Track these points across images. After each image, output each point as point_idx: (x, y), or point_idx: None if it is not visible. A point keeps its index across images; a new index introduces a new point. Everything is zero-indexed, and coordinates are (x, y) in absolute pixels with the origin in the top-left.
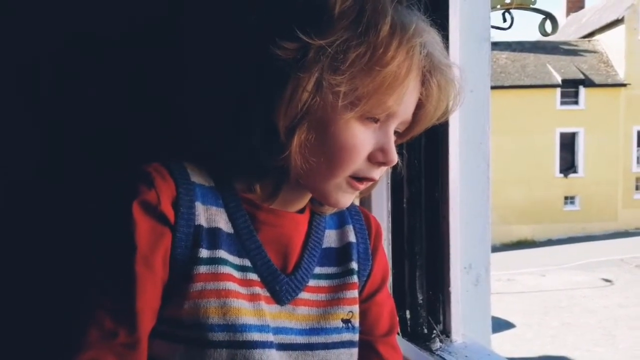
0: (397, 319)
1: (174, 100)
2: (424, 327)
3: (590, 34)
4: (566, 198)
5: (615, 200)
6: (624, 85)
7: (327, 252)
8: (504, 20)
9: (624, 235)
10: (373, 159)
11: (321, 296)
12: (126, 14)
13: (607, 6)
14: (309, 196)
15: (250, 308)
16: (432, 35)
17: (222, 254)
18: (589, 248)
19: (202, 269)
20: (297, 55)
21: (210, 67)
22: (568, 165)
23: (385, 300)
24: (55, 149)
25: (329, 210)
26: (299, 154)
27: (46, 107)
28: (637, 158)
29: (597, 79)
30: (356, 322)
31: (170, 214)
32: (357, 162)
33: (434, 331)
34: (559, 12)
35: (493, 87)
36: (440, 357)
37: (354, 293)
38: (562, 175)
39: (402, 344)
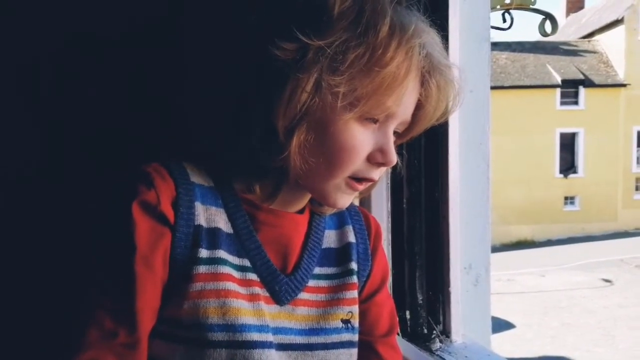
0: (397, 319)
1: (174, 100)
2: (423, 327)
3: (590, 35)
4: (566, 198)
5: (615, 201)
6: (623, 85)
7: (327, 252)
8: (504, 20)
9: (623, 235)
10: (372, 160)
11: (321, 296)
12: (126, 14)
13: (607, 6)
14: (308, 196)
15: (249, 308)
16: (431, 36)
17: (222, 254)
18: (589, 248)
19: (202, 269)
20: (296, 56)
21: (210, 67)
22: (568, 165)
23: (385, 301)
24: (55, 149)
25: (329, 211)
26: (298, 155)
27: (46, 107)
28: (637, 158)
29: (597, 79)
30: (356, 322)
31: (169, 214)
32: (356, 163)
33: (434, 331)
34: (559, 13)
35: (493, 88)
36: (440, 357)
37: (354, 293)
38: (562, 175)
39: (402, 344)
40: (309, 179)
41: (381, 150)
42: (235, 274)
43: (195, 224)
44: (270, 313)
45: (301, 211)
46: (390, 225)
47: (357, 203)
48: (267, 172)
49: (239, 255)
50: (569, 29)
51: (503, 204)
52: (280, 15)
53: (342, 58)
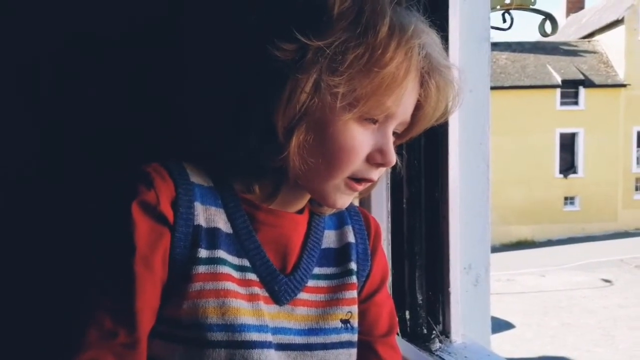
0: (397, 319)
1: (174, 100)
2: (423, 327)
3: (590, 35)
4: (566, 198)
5: (615, 201)
6: (623, 85)
7: (326, 252)
8: (504, 20)
9: (623, 235)
10: (371, 160)
11: (320, 296)
12: (126, 14)
13: (607, 7)
14: (308, 197)
15: (249, 308)
16: (431, 36)
17: (221, 254)
18: (589, 248)
19: (201, 268)
20: (295, 56)
21: (210, 67)
22: (568, 165)
23: (385, 301)
24: (56, 149)
25: (328, 211)
26: (298, 155)
27: (46, 107)
28: (637, 158)
29: (597, 80)
30: (355, 322)
31: (169, 214)
32: (356, 163)
33: (434, 331)
34: (559, 13)
35: (493, 88)
36: (440, 357)
37: (353, 293)
38: (562, 175)
39: (402, 345)
40: (308, 179)
41: (380, 150)
42: (235, 274)
43: (195, 224)
44: (270, 313)
45: (301, 211)
46: (390, 225)
47: (356, 203)
48: (267, 172)
49: (239, 255)
50: (569, 29)
51: (503, 204)
52: (279, 16)
53: (342, 58)
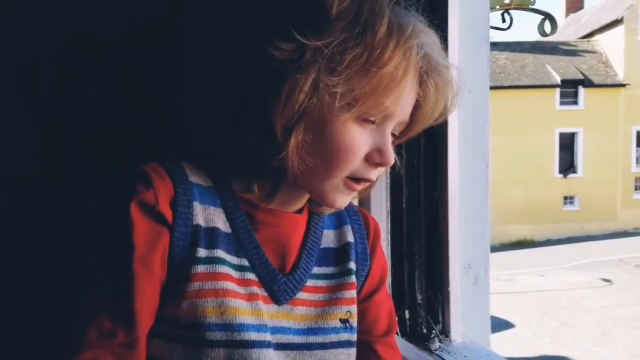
0: (396, 319)
1: (174, 100)
2: (423, 327)
3: (590, 35)
4: (565, 198)
5: (615, 201)
6: (623, 85)
7: (325, 252)
8: (503, 20)
9: (623, 235)
10: (370, 160)
11: (319, 296)
12: (126, 14)
13: (606, 7)
14: (307, 196)
15: (247, 307)
16: (429, 36)
17: (220, 253)
18: (588, 248)
19: (200, 268)
20: (293, 56)
21: (210, 68)
22: (567, 165)
23: (384, 300)
24: (55, 149)
25: (327, 211)
26: (296, 155)
27: (46, 107)
28: (637, 158)
29: (596, 79)
30: (354, 322)
31: (168, 213)
32: (354, 163)
33: (433, 331)
34: (558, 13)
35: (492, 88)
36: (440, 357)
37: (352, 293)
38: (561, 175)
39: (401, 344)
40: (307, 179)
41: (379, 150)
42: (234, 273)
43: (194, 223)
44: (269, 312)
45: (300, 211)
46: (389, 225)
47: (356, 203)
48: (266, 172)
49: (238, 255)
50: (568, 29)
51: (502, 204)
52: (278, 16)
53: (340, 58)
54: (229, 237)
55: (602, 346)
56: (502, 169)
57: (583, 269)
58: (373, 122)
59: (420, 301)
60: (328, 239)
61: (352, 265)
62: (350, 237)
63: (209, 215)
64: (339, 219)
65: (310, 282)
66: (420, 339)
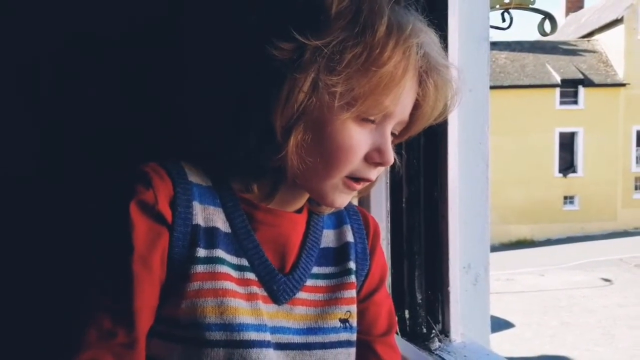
0: (396, 318)
1: (174, 100)
2: (423, 326)
3: (590, 34)
4: (565, 198)
5: (615, 200)
6: (623, 85)
7: (325, 251)
8: (503, 20)
9: (623, 235)
10: (369, 160)
11: (319, 296)
12: (126, 14)
13: (606, 6)
14: (306, 196)
15: (247, 307)
16: (429, 36)
17: (220, 253)
18: (588, 248)
19: (200, 268)
20: (293, 56)
21: (210, 67)
22: (567, 165)
23: (384, 300)
24: (56, 149)
25: (327, 210)
26: (296, 154)
27: (46, 107)
28: (637, 158)
29: (596, 79)
30: (354, 321)
31: (167, 213)
32: (354, 163)
33: (433, 331)
34: (558, 12)
35: (492, 87)
36: (439, 356)
37: (352, 293)
38: (561, 175)
39: (401, 344)
40: (307, 179)
41: (378, 150)
42: (233, 273)
43: (193, 223)
44: (268, 312)
45: (299, 211)
46: (389, 224)
47: (355, 202)
48: (265, 171)
49: (237, 255)
50: (568, 29)
51: (502, 204)
52: (278, 15)
53: (340, 58)
54: (228, 237)
55: (602, 346)
56: (502, 169)
57: (583, 268)
58: (373, 122)
59: (420, 301)
60: (328, 238)
61: (352, 265)
62: (350, 237)
63: (208, 215)
64: (339, 219)
65: (309, 282)
66: (420, 339)
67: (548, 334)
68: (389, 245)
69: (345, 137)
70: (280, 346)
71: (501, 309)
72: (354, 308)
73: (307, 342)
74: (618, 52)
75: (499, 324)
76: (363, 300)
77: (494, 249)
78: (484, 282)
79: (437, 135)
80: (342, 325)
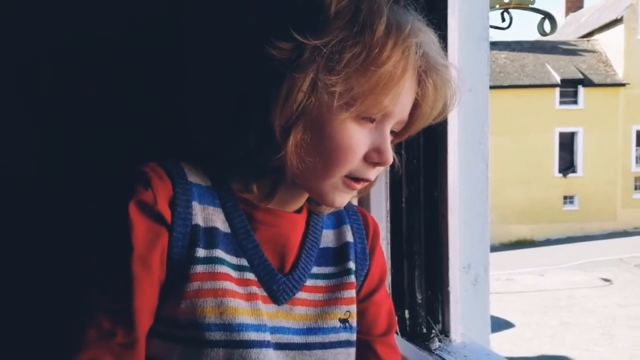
0: (396, 318)
1: (174, 100)
2: (423, 326)
3: (589, 34)
4: (565, 198)
5: (615, 200)
6: (623, 84)
7: (325, 251)
8: (503, 20)
9: (623, 235)
10: (369, 159)
11: (318, 296)
12: (126, 14)
13: (606, 6)
14: (306, 196)
15: (247, 307)
16: (428, 35)
17: (219, 253)
18: (588, 248)
19: (199, 268)
20: (292, 56)
21: (210, 67)
22: (567, 165)
23: (383, 300)
24: (56, 149)
25: (327, 210)
26: (295, 154)
27: (46, 107)
28: (636, 158)
29: (596, 79)
30: (354, 321)
31: (167, 213)
32: (353, 162)
33: (433, 331)
34: (558, 12)
35: (492, 87)
36: (439, 356)
37: (352, 293)
38: (561, 175)
39: (401, 344)
40: (306, 179)
41: (378, 149)
42: (233, 273)
43: (193, 223)
44: (268, 312)
45: (299, 211)
46: (389, 224)
47: (355, 202)
48: (265, 171)
49: (237, 255)
50: (568, 29)
51: (502, 204)
52: (278, 15)
53: (339, 57)
54: (228, 237)
55: (602, 346)
56: (502, 169)
57: (583, 268)
58: (372, 121)
59: (420, 301)
60: (327, 238)
61: (352, 265)
62: (349, 237)
63: (208, 215)
64: (338, 219)
65: (309, 282)
66: (420, 339)
67: (548, 334)
68: (389, 245)
69: (344, 136)
70: (280, 346)
71: (501, 309)
72: (353, 308)
73: (306, 342)
74: (618, 52)
75: (499, 324)
76: (363, 300)
77: (494, 249)
78: (483, 282)
79: (436, 135)
80: (341, 325)
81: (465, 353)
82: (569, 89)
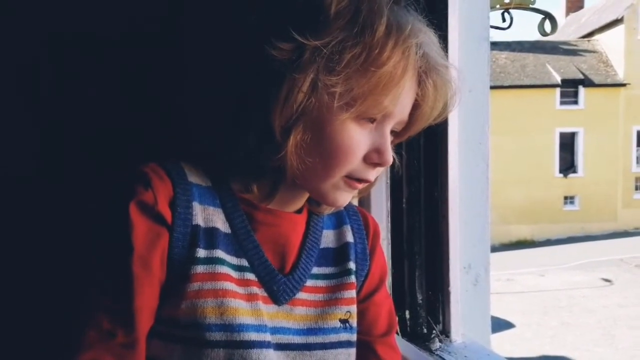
0: (396, 319)
1: (174, 100)
2: (423, 327)
3: (590, 34)
4: (566, 198)
5: (615, 200)
6: (623, 85)
7: (325, 252)
8: (503, 20)
9: (623, 235)
10: (368, 160)
11: (319, 296)
12: (126, 14)
13: (607, 6)
14: (306, 196)
15: (247, 308)
16: (428, 36)
17: (220, 253)
18: (589, 248)
19: (200, 268)
20: (292, 56)
21: (210, 67)
22: (567, 165)
23: (384, 300)
24: (56, 149)
25: (327, 210)
26: (295, 154)
27: (46, 107)
28: (637, 158)
29: (596, 79)
30: (354, 322)
31: (167, 214)
32: (353, 163)
33: (434, 331)
34: (558, 12)
35: (492, 87)
36: (440, 357)
37: (352, 293)
38: (561, 175)
39: (402, 344)
40: (306, 179)
41: (377, 150)
42: (233, 273)
43: (193, 223)
44: (268, 313)
45: (299, 211)
46: (389, 224)
47: (356, 203)
48: (265, 172)
49: (237, 255)
50: (568, 29)
51: (503, 204)
52: (278, 15)
53: (339, 58)
54: (228, 238)
55: (603, 346)
56: (503, 169)
57: (583, 269)
58: (372, 122)
59: (421, 301)
60: (327, 239)
61: (352, 265)
62: (349, 237)
63: (208, 216)
64: (339, 219)
65: (309, 282)
66: (420, 339)
67: (548, 334)
68: (390, 246)
69: (344, 137)
70: (280, 346)
71: (501, 309)
72: (354, 308)
73: (307, 342)
74: (618, 52)
75: (500, 324)
76: (363, 301)
77: (494, 249)
78: (484, 282)
79: (437, 135)
80: (342, 325)
81: (466, 353)
82: (570, 89)
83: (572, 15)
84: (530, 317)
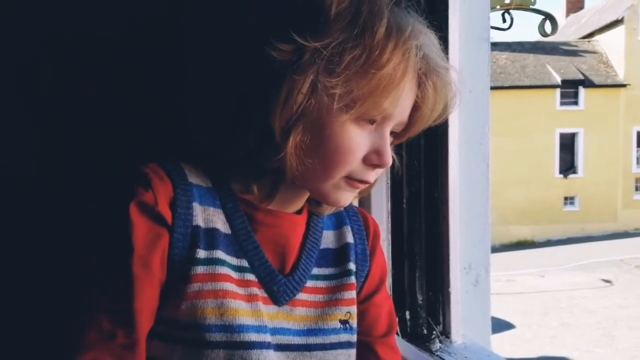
0: (396, 319)
1: (174, 100)
2: (423, 327)
3: (590, 35)
4: (566, 199)
5: (615, 201)
6: (623, 85)
7: (325, 253)
8: (504, 20)
9: (623, 235)
10: (368, 161)
11: (319, 297)
12: (126, 14)
13: (607, 7)
14: (306, 197)
15: (247, 309)
16: (428, 37)
17: (220, 254)
18: (589, 249)
19: (200, 269)
20: (292, 57)
21: (210, 68)
22: (568, 165)
23: (384, 301)
24: (56, 149)
25: (327, 211)
26: (295, 155)
27: (46, 107)
28: (637, 159)
29: (596, 80)
30: (354, 323)
31: (167, 214)
32: (353, 164)
33: (434, 332)
34: (559, 13)
35: (493, 88)
36: (440, 357)
37: (352, 294)
38: (561, 175)
39: (402, 345)
40: (306, 180)
41: (377, 151)
42: (233, 274)
43: (193, 224)
44: (269, 314)
45: (299, 211)
46: (390, 225)
47: (356, 203)
48: (265, 172)
49: (237, 256)
50: (568, 29)
51: (503, 204)
52: (278, 16)
53: (339, 59)
54: (228, 238)
55: (603, 347)
56: (503, 170)
57: (583, 269)
58: (372, 123)
59: (421, 302)
60: (328, 239)
61: (352, 266)
62: (349, 238)
63: (208, 216)
64: (339, 220)
65: (310, 283)
66: (420, 340)
67: (548, 335)
68: (390, 246)
69: (344, 138)
70: (280, 347)
71: (502, 310)
72: (354, 309)
73: (307, 343)
74: (618, 52)
75: (500, 325)
76: (363, 302)
77: (495, 249)
78: (484, 283)
79: (437, 136)
80: (342, 326)
81: (466, 354)
82: (570, 89)
83: (573, 15)
84: (530, 317)
